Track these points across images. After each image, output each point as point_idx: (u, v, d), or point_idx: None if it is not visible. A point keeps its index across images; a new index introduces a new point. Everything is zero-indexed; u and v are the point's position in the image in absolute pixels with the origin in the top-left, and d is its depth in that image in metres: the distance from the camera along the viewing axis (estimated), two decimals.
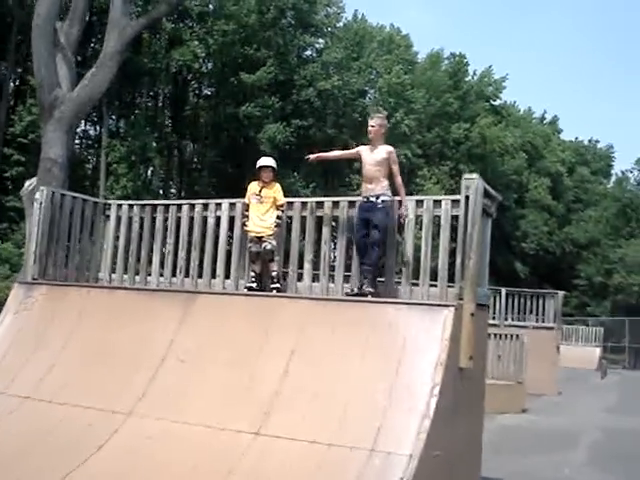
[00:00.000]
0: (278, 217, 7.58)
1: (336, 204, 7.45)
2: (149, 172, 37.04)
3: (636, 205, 54.17)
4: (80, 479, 5.50)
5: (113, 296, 7.56)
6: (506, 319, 20.27)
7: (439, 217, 6.79)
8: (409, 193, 7.82)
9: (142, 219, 8.58)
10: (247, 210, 7.71)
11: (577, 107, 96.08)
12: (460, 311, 5.79)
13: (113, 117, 36.85)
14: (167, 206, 8.48)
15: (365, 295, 6.72)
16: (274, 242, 7.52)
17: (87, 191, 26.21)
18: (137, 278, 8.50)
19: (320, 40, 40.41)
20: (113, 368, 6.63)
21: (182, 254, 8.18)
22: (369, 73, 42.44)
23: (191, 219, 8.21)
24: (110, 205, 8.93)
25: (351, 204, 7.35)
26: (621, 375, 30.40)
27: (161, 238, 8.40)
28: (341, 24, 42.87)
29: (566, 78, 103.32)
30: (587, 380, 25.78)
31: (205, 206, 8.18)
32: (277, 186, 7.73)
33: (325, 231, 7.39)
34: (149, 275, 8.43)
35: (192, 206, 8.26)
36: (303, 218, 7.56)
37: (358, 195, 7.43)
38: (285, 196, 7.79)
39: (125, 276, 8.60)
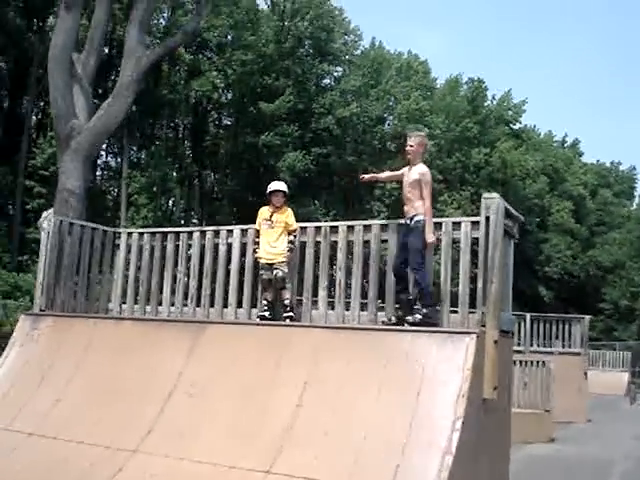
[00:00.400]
0: (290, 242, 7.31)
1: (351, 228, 7.14)
2: (170, 202, 37.17)
3: None
4: None
5: (120, 327, 7.30)
6: (531, 345, 19.74)
7: (459, 240, 6.47)
8: None
9: (153, 247, 8.34)
10: (258, 236, 7.45)
11: (598, 129, 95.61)
12: (483, 338, 5.45)
13: (134, 148, 37.12)
14: (178, 234, 8.26)
15: (402, 324, 6.30)
16: (286, 269, 7.23)
17: (108, 222, 26.15)
18: (148, 308, 8.24)
19: (338, 68, 40.60)
20: (119, 403, 6.35)
21: (193, 282, 7.93)
22: (387, 100, 42.39)
23: (202, 246, 7.96)
24: (120, 233, 8.72)
25: (366, 228, 7.04)
26: None
27: (172, 267, 8.15)
28: (359, 52, 43.02)
29: (586, 101, 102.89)
30: (616, 406, 25.10)
31: (216, 233, 7.93)
32: (289, 211, 7.47)
33: (340, 257, 7.08)
34: (160, 305, 8.18)
35: (203, 233, 8.02)
36: (317, 243, 7.27)
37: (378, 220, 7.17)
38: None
39: (136, 306, 8.36)
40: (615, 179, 63.72)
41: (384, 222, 7.19)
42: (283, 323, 6.91)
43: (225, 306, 7.69)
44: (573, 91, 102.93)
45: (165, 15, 35.60)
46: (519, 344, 18.17)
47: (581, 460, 12.36)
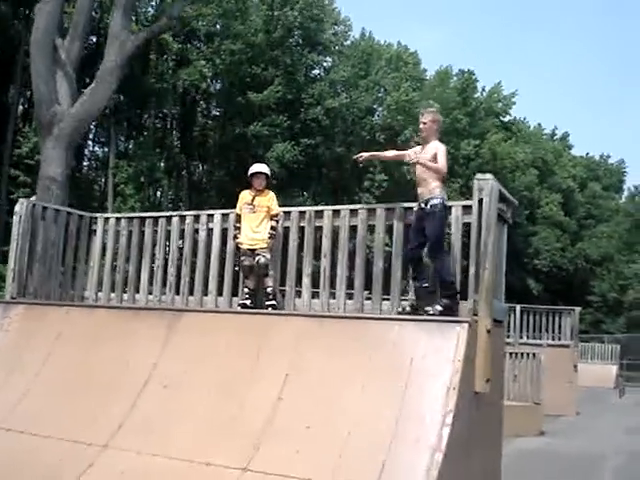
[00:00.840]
0: (273, 228, 6.97)
1: (337, 213, 6.80)
2: (158, 193, 36.76)
3: None
4: None
5: (93, 316, 6.93)
6: (521, 337, 19.53)
7: (449, 225, 6.15)
8: None
9: (130, 233, 7.99)
10: (239, 221, 7.10)
11: (588, 123, 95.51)
12: (475, 328, 5.13)
13: (121, 138, 36.73)
14: (156, 218, 7.91)
15: (421, 314, 5.86)
16: (268, 255, 6.89)
17: (95, 212, 25.84)
18: (125, 296, 7.90)
19: (328, 58, 40.26)
20: (91, 395, 6.00)
21: (172, 270, 7.59)
22: (377, 91, 42.11)
23: (182, 232, 7.61)
24: (97, 219, 8.35)
25: (353, 212, 6.70)
26: (639, 393, 29.50)
27: (150, 253, 7.80)
28: (348, 42, 42.68)
29: (576, 94, 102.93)
30: (605, 399, 25.00)
31: (196, 218, 7.58)
32: (271, 194, 7.13)
33: (325, 243, 6.74)
34: (137, 293, 7.83)
35: (182, 218, 7.67)
36: (301, 229, 6.94)
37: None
38: None
39: (112, 294, 8.02)
40: (604, 172, 63.78)
41: (372, 206, 6.85)
42: (264, 311, 6.57)
43: (205, 294, 7.36)
44: (563, 84, 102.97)
45: (153, 3, 35.19)
46: (508, 336, 17.92)
47: (572, 454, 12.12)
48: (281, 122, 34.09)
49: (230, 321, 6.18)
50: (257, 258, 6.86)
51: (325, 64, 40.05)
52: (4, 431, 6.03)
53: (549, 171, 54.29)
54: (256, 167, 7.25)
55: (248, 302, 6.90)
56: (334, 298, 6.68)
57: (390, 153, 7.31)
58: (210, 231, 7.44)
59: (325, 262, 6.74)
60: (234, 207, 7.23)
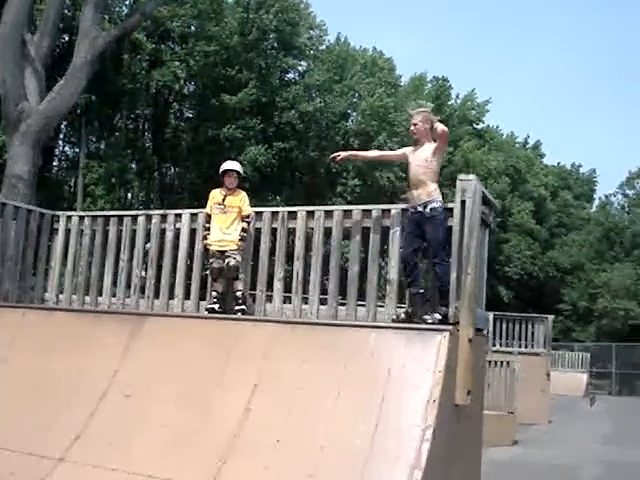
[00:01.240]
0: (244, 229, 6.64)
1: (311, 214, 6.49)
2: (129, 195, 36.19)
3: (620, 229, 53.89)
4: None
5: (51, 319, 6.52)
6: (494, 345, 19.37)
7: None
8: None
9: (94, 232, 7.61)
10: (208, 222, 6.77)
11: (560, 132, 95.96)
12: (456, 337, 4.86)
13: (92, 139, 36.11)
14: (121, 217, 7.53)
15: (421, 322, 5.46)
16: (239, 257, 6.57)
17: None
18: (87, 299, 7.51)
19: (302, 62, 39.98)
20: (46, 404, 5.62)
21: (137, 271, 7.22)
22: (352, 96, 41.88)
23: (148, 232, 7.25)
24: (59, 217, 7.94)
25: (328, 214, 6.40)
26: (608, 402, 29.60)
27: (114, 254, 7.42)
28: (324, 47, 42.42)
29: (549, 103, 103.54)
30: (576, 408, 24.97)
31: (163, 217, 7.23)
32: (243, 194, 6.80)
33: (298, 245, 6.43)
34: (100, 295, 7.45)
35: (149, 217, 7.31)
36: (274, 230, 6.62)
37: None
38: None
39: (74, 296, 7.63)
40: (575, 181, 64.35)
41: (348, 207, 6.54)
42: (232, 316, 6.23)
43: (171, 297, 7.02)
44: (536, 93, 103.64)
45: (127, 2, 34.69)
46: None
47: (547, 465, 11.92)
48: (255, 125, 33.78)
49: (197, 326, 5.84)
50: (227, 260, 6.53)
51: (300, 68, 39.78)
52: None
53: (521, 179, 54.50)
54: (228, 164, 6.93)
55: (216, 306, 6.57)
56: (307, 303, 6.38)
57: (373, 153, 7.00)
58: (178, 231, 7.10)
59: (298, 265, 6.44)
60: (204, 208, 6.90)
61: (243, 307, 6.51)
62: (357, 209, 6.35)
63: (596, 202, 63.57)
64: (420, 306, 5.66)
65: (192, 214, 7.08)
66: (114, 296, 7.35)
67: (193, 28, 35.48)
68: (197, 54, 33.67)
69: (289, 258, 6.62)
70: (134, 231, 7.35)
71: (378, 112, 40.34)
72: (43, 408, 5.58)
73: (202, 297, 6.93)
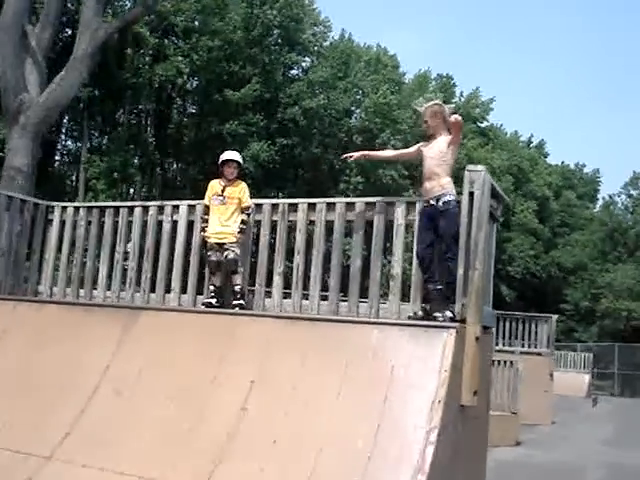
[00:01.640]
0: (243, 222, 6.43)
1: (312, 206, 6.27)
2: (131, 190, 36.03)
3: (624, 229, 53.65)
4: None
5: (43, 312, 6.32)
6: (497, 344, 19.16)
7: None
8: None
9: (89, 223, 7.40)
10: (207, 213, 6.56)
11: (563, 131, 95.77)
12: (463, 334, 4.64)
13: (95, 133, 36.00)
14: (117, 208, 7.33)
15: (433, 319, 5.19)
16: (238, 250, 6.36)
17: None
18: (81, 292, 7.31)
19: (306, 59, 39.82)
20: (35, 399, 5.42)
21: (133, 264, 7.01)
22: (355, 93, 41.68)
23: (144, 224, 7.04)
24: (54, 208, 7.73)
25: (330, 206, 6.18)
26: (611, 403, 29.44)
27: (110, 246, 7.22)
28: (328, 43, 42.20)
29: (553, 102, 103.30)
30: (579, 408, 24.77)
31: (160, 209, 7.02)
32: (243, 185, 6.60)
33: (299, 239, 6.22)
34: (95, 289, 7.24)
35: (146, 209, 7.10)
36: (274, 223, 6.40)
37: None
38: None
39: (68, 289, 7.42)
40: (579, 181, 64.13)
41: (350, 200, 6.33)
42: (230, 311, 6.02)
43: (168, 291, 6.81)
44: (540, 92, 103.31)
45: None
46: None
47: (551, 466, 11.73)
48: (258, 121, 33.63)
49: (193, 321, 5.63)
50: (225, 253, 6.32)
51: (304, 64, 39.64)
52: None
53: (525, 178, 54.34)
54: (227, 154, 6.74)
55: (213, 301, 6.36)
56: (307, 299, 6.16)
57: (388, 153, 6.79)
58: (175, 223, 6.89)
59: (299, 259, 6.23)
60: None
61: (241, 302, 6.31)
62: (360, 201, 6.15)
63: (599, 202, 63.37)
64: (439, 303, 5.40)
65: (190, 206, 6.88)
66: (109, 289, 7.16)
67: (197, 23, 35.31)
68: (200, 49, 33.53)
69: (289, 252, 6.42)
70: (130, 222, 7.15)
71: (382, 109, 40.14)
72: (32, 404, 5.38)
73: (199, 291, 6.73)
